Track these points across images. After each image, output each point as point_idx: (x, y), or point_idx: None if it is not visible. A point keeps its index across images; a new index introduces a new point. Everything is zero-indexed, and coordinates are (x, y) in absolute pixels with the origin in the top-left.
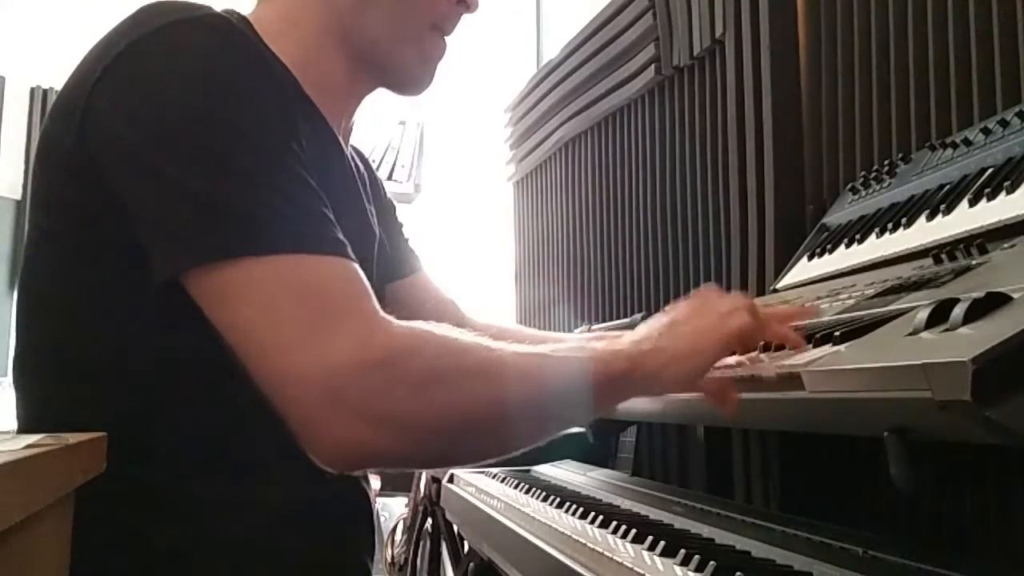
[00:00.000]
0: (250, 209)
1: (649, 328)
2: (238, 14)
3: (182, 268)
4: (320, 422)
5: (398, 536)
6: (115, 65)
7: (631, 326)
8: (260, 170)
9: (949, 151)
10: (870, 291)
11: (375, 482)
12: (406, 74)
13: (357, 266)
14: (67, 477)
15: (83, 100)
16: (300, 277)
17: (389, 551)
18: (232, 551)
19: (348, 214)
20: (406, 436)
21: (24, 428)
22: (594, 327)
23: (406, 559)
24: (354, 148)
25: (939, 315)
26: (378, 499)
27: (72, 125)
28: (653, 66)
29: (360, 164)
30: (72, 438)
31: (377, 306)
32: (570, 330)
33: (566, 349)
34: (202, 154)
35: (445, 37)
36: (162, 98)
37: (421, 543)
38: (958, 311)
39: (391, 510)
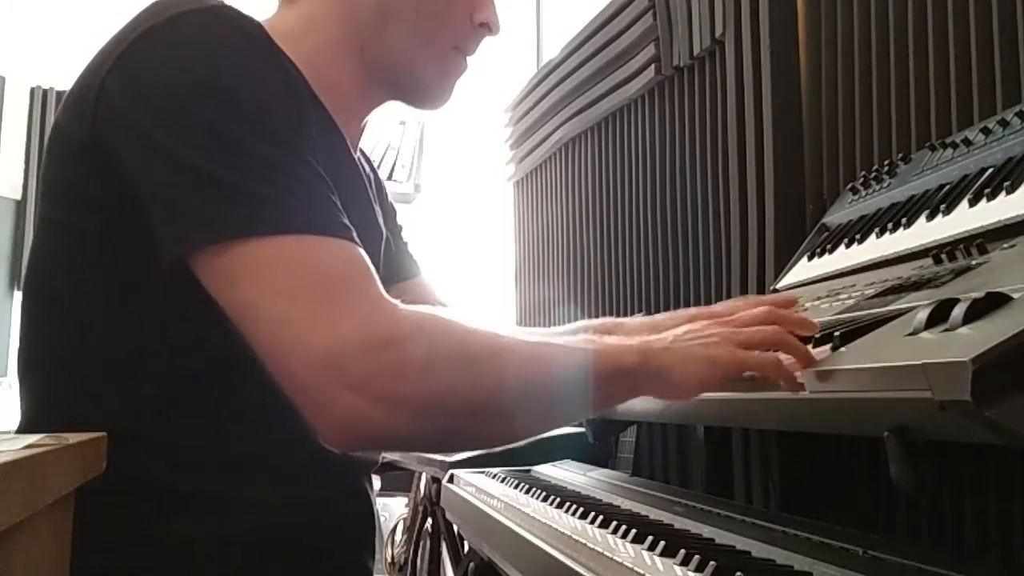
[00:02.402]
0: (258, 190)
1: (663, 333)
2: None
3: (189, 248)
4: (324, 400)
5: (398, 536)
6: (127, 53)
7: None
8: (269, 152)
9: (949, 151)
10: (870, 291)
11: (375, 482)
12: (424, 91)
13: (362, 250)
14: (67, 477)
15: (95, 88)
16: (307, 258)
17: (389, 551)
18: (232, 550)
19: (355, 211)
20: (407, 416)
21: (28, 422)
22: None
23: (406, 559)
24: (360, 151)
25: (939, 315)
26: (378, 499)
27: (85, 114)
28: (653, 66)
29: (367, 166)
30: (72, 438)
31: (382, 289)
32: None
33: (575, 341)
34: (211, 135)
35: (467, 57)
36: (172, 80)
37: (421, 543)
38: (958, 311)
39: (391, 510)
